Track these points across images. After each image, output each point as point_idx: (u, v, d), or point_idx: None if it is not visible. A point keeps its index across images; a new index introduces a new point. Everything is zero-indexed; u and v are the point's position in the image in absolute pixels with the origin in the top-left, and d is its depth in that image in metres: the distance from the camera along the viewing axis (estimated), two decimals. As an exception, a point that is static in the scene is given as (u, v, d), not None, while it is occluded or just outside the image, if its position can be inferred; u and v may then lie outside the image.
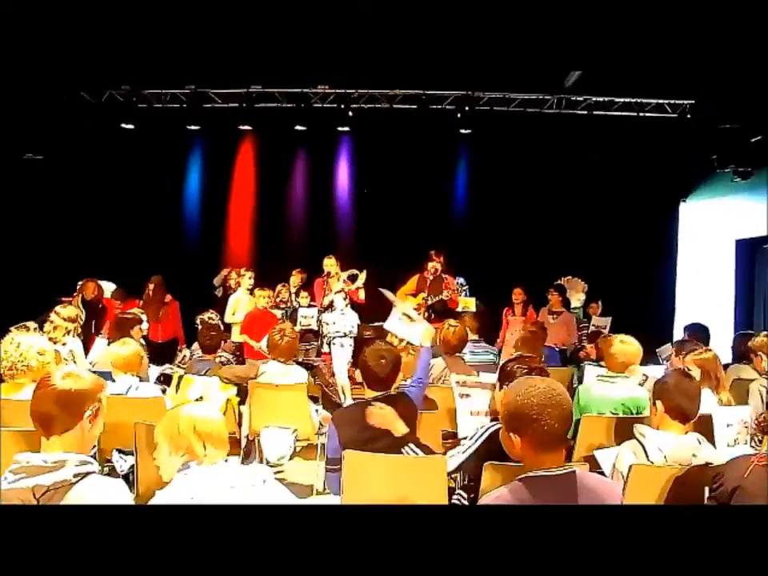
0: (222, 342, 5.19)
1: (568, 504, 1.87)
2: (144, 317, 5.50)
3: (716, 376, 3.67)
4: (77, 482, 1.96)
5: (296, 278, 8.43)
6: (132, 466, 3.78)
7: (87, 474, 1.99)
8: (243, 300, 7.90)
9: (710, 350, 3.84)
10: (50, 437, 2.05)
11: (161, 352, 7.07)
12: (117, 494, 2.02)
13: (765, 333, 4.84)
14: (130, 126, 9.49)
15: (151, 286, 8.03)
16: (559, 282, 8.95)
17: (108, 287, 8.30)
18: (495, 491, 1.96)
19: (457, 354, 4.98)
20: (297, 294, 8.28)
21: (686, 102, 9.38)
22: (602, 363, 4.39)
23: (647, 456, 2.69)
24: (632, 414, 3.76)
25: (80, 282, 8.68)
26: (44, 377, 2.14)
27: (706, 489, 2.32)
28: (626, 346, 3.88)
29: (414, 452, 3.03)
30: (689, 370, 3.60)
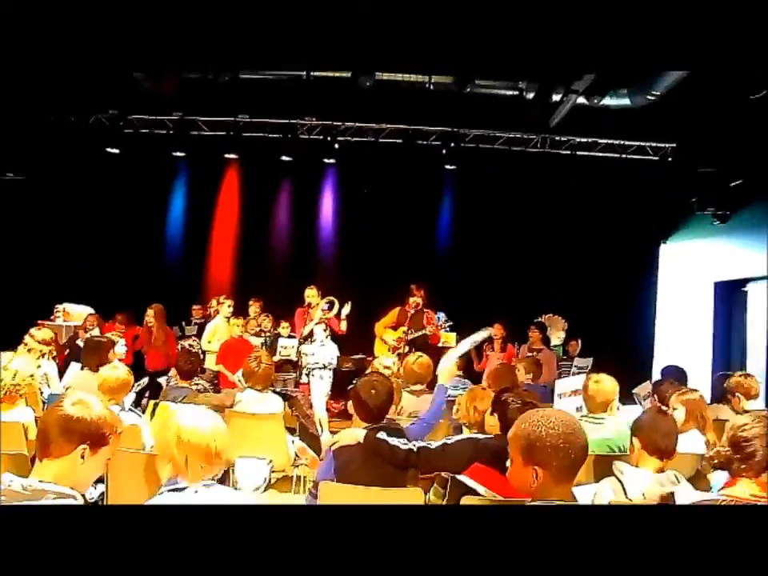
0: (200, 369, 5.13)
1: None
2: (120, 340, 5.44)
3: (702, 416, 3.67)
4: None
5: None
6: (102, 494, 3.71)
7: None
8: (221, 328, 7.85)
9: (696, 390, 3.86)
10: (43, 459, 1.98)
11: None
12: None
13: (740, 373, 4.89)
14: (116, 151, 9.49)
15: (151, 313, 7.78)
16: (540, 319, 8.99)
17: (84, 311, 8.21)
18: None
19: (418, 388, 4.89)
20: (277, 325, 8.22)
21: (667, 145, 9.56)
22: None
23: (626, 493, 2.67)
24: (620, 451, 3.72)
25: (58, 306, 8.62)
26: (59, 397, 2.09)
27: None
28: (601, 385, 3.86)
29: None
30: (674, 409, 3.62)
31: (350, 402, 3.36)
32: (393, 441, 3.03)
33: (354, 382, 3.45)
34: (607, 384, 3.86)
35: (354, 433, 3.13)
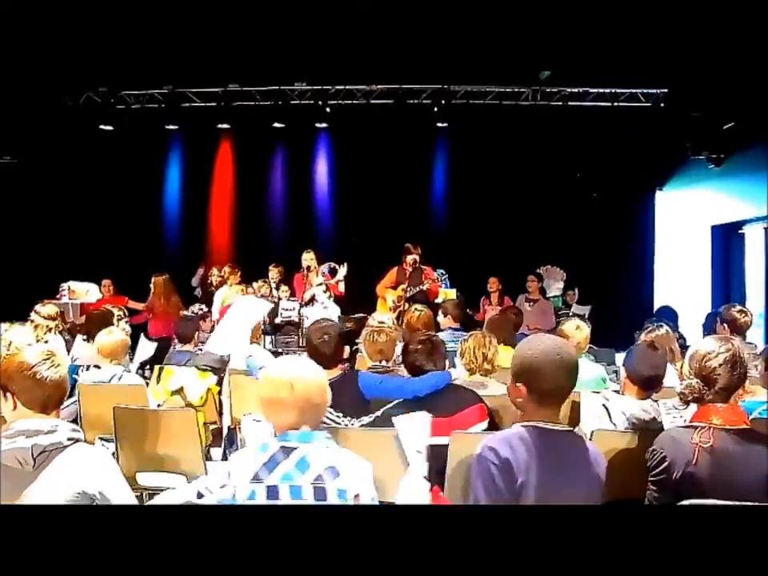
0: (197, 331, 5.24)
1: (563, 459, 2.02)
2: (116, 311, 5.57)
3: (670, 349, 3.85)
4: (68, 445, 2.12)
5: (274, 272, 8.43)
6: (113, 453, 3.84)
7: (77, 440, 2.16)
8: (230, 296, 7.96)
9: (662, 326, 4.05)
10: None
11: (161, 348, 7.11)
12: (103, 458, 2.20)
13: (736, 306, 4.89)
14: (109, 128, 9.52)
15: (155, 281, 8.00)
16: (538, 270, 9.07)
17: (87, 288, 8.32)
18: (501, 432, 2.10)
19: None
20: (277, 288, 8.33)
21: (659, 90, 9.50)
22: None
23: (610, 418, 2.79)
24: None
25: (63, 285, 8.72)
26: None
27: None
28: (581, 332, 4.07)
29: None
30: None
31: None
32: None
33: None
34: (586, 331, 4.11)
35: None
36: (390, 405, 3.21)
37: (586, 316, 7.75)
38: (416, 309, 5.21)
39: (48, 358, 2.18)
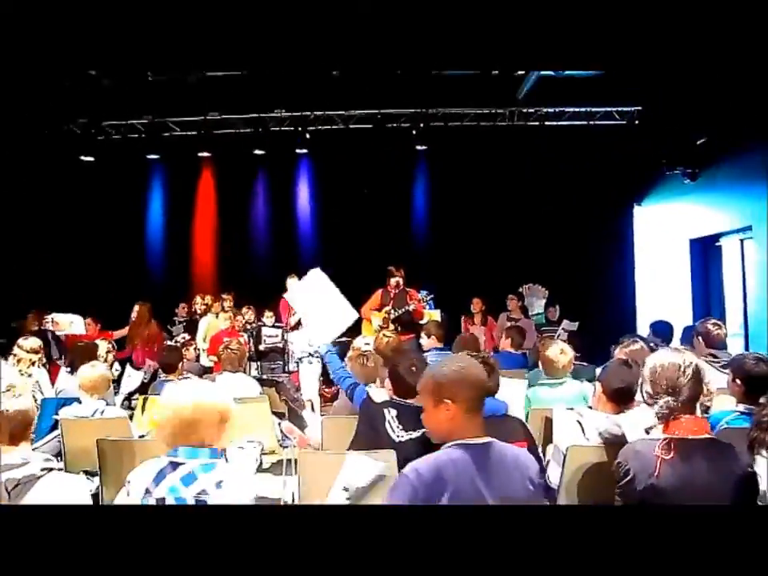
0: (181, 361, 5.26)
1: (491, 470, 2.05)
2: (102, 343, 5.58)
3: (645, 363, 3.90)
4: (42, 476, 2.18)
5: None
6: (98, 486, 3.84)
7: (51, 469, 2.22)
8: (213, 324, 7.99)
9: (637, 341, 4.09)
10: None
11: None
12: (77, 486, 2.26)
13: (711, 320, 4.98)
14: (90, 159, 9.56)
15: (137, 308, 8.06)
16: (520, 290, 9.16)
17: (71, 319, 8.29)
18: (431, 455, 2.09)
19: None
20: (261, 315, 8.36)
21: (633, 108, 9.68)
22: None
23: (584, 432, 2.85)
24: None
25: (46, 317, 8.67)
26: None
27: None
28: (565, 356, 4.21)
29: None
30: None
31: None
32: None
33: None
34: (570, 355, 4.27)
35: None
36: None
37: (575, 331, 7.84)
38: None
39: (8, 390, 2.23)
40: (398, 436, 3.29)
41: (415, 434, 3.23)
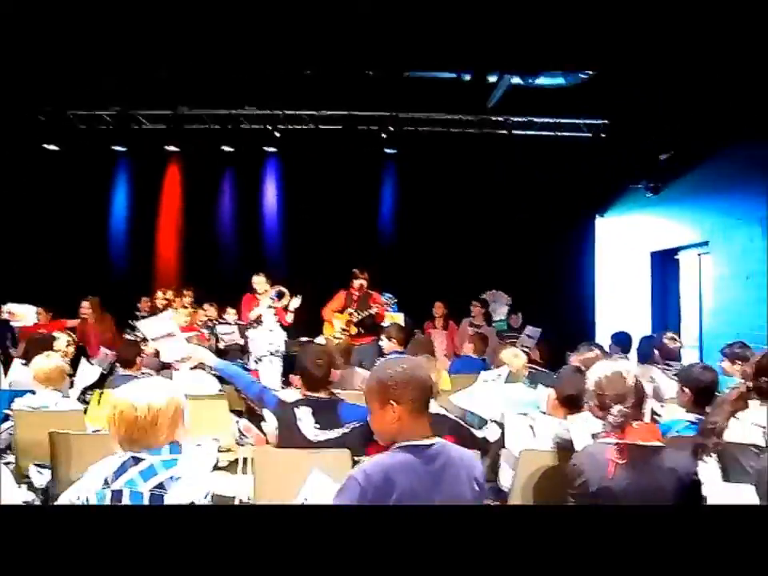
0: (139, 355, 5.20)
1: (437, 472, 2.07)
2: (62, 336, 5.49)
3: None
4: None
5: (187, 298, 8.45)
6: (50, 480, 3.79)
7: None
8: (176, 320, 7.90)
9: (593, 350, 4.22)
10: None
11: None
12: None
13: (669, 333, 5.14)
14: (54, 147, 9.40)
15: (87, 305, 7.98)
16: (484, 295, 9.25)
17: (26, 311, 8.15)
18: (378, 456, 2.10)
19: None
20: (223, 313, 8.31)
21: (600, 122, 9.84)
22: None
23: (534, 434, 2.92)
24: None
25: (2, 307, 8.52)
26: None
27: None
28: (519, 359, 4.39)
29: None
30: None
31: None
32: None
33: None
34: (523, 357, 4.51)
35: None
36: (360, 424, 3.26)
37: (537, 339, 7.94)
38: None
39: None
40: (315, 435, 3.33)
41: (333, 434, 3.28)
